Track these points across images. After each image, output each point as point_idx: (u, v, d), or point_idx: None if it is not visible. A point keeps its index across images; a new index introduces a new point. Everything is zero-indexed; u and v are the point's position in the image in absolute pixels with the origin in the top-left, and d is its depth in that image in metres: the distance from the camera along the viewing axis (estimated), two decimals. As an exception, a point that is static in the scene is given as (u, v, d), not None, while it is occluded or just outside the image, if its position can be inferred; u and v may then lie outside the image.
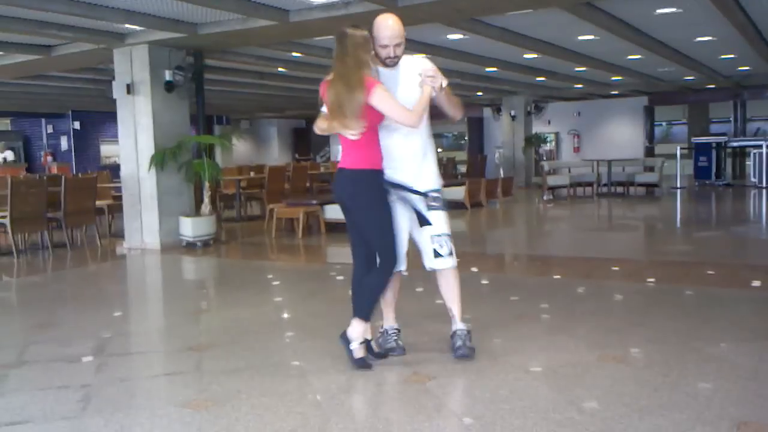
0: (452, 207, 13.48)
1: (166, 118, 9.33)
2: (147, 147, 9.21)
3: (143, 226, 9.36)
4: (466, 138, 26.14)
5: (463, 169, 21.50)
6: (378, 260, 3.84)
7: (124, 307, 6.25)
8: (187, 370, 4.02)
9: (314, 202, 10.72)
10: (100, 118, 20.36)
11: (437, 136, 31.14)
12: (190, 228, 9.20)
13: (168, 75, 9.19)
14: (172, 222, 9.31)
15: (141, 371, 4.16)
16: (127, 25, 8.53)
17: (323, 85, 3.88)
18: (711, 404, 3.17)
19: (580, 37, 10.92)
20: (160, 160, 9.05)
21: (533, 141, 20.93)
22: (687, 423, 2.94)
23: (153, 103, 9.15)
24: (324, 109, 3.90)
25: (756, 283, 6.07)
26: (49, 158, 20.70)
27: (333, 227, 10.36)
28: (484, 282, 6.67)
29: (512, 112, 20.29)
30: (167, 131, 9.28)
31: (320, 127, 3.92)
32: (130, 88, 9.20)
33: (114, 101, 9.53)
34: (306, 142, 28.03)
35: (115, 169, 13.61)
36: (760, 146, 16.61)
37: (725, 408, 3.11)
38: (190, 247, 9.16)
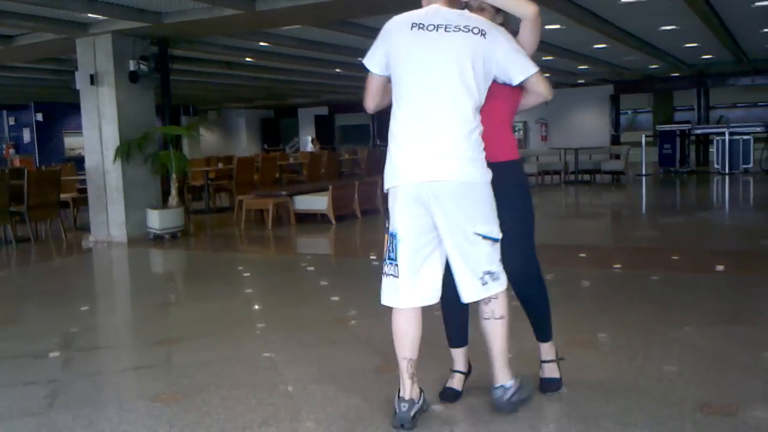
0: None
1: (131, 108, 9.19)
2: (112, 138, 9.06)
3: (109, 219, 9.22)
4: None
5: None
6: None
7: (91, 301, 6.16)
8: (156, 363, 3.98)
9: (284, 193, 10.67)
10: (63, 110, 19.97)
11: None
12: (157, 220, 9.09)
13: (132, 65, 9.04)
14: (138, 214, 9.19)
15: (109, 366, 4.11)
16: (89, 15, 8.36)
17: None
18: (675, 386, 3.24)
19: (547, 27, 11.00)
20: (125, 152, 8.92)
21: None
22: (652, 405, 3.01)
23: (117, 94, 9.00)
24: None
25: (719, 268, 6.20)
26: (12, 151, 20.26)
27: (303, 218, 10.34)
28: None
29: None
30: (132, 122, 9.14)
31: None
32: (93, 79, 9.03)
33: (77, 92, 9.35)
34: (275, 133, 27.86)
35: (79, 162, 13.40)
36: (723, 134, 16.94)
37: (689, 390, 3.18)
38: (157, 239, 9.06)
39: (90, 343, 4.57)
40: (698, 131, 19.07)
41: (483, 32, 2.76)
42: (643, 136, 18.09)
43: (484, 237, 2.82)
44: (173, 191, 9.31)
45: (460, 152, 2.76)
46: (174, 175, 9.28)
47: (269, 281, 6.67)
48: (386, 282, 2.93)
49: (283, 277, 6.74)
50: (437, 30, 2.80)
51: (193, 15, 8.35)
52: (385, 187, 2.95)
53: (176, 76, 12.69)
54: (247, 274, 7.09)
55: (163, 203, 9.52)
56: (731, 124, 18.24)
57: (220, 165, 14.50)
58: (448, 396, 3.13)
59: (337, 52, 12.65)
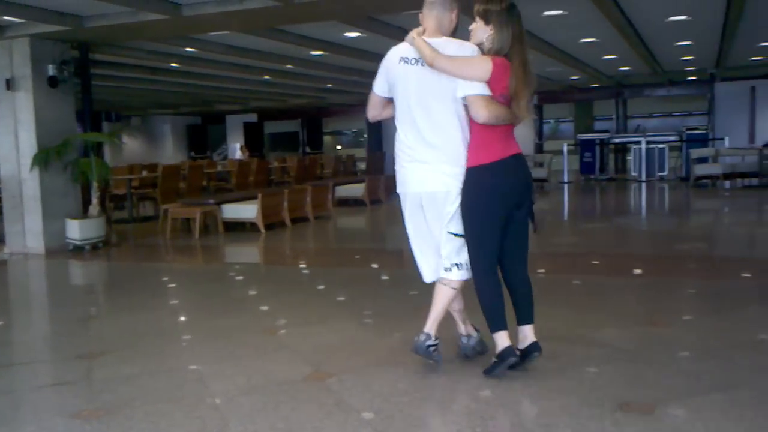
0: (352, 204, 13.60)
1: (50, 115, 8.86)
2: (29, 146, 8.69)
3: (26, 229, 8.84)
4: (365, 135, 26.31)
5: (362, 166, 21.65)
6: (519, 267, 3.55)
7: (6, 315, 5.88)
8: (76, 379, 3.84)
9: (211, 201, 10.49)
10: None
11: (337, 134, 31.26)
12: (77, 230, 8.78)
13: (51, 70, 8.72)
14: (57, 224, 8.85)
15: (25, 383, 3.94)
16: (5, 17, 8.02)
17: (500, 66, 3.33)
18: (596, 387, 3.36)
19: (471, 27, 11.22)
20: (43, 160, 8.59)
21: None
22: (574, 406, 3.10)
23: (35, 99, 8.65)
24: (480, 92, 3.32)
25: (637, 272, 6.46)
26: None
27: (232, 227, 10.19)
28: (384, 277, 6.75)
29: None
30: (51, 129, 8.81)
31: (497, 114, 3.32)
32: (10, 84, 8.65)
33: (-8, 97, 8.94)
34: (202, 140, 27.35)
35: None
36: (640, 142, 17.68)
37: (609, 390, 3.30)
38: (77, 250, 8.74)
39: (5, 359, 4.36)
40: (617, 140, 19.83)
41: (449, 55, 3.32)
42: (565, 144, 18.66)
43: (455, 235, 3.48)
44: (94, 200, 9.02)
45: (446, 168, 3.41)
46: (95, 184, 8.98)
47: (196, 292, 6.53)
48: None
49: (210, 287, 6.62)
50: (418, 63, 3.41)
51: (116, 19, 8.12)
52: (398, 190, 3.65)
53: (98, 81, 12.32)
54: (173, 285, 6.93)
55: (84, 213, 9.20)
56: (648, 133, 19.03)
57: (144, 173, 14.13)
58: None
59: (266, 59, 12.55)
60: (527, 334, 3.50)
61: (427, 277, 3.66)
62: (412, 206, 3.57)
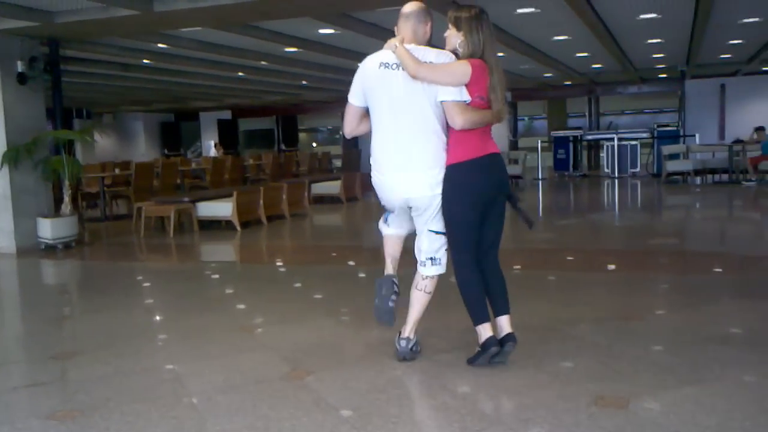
0: (329, 201, 13.58)
1: (20, 112, 8.71)
2: (-2, 143, 8.56)
3: (-5, 228, 8.69)
4: (340, 132, 26.25)
5: (338, 163, 21.61)
6: (490, 251, 3.67)
7: (-24, 316, 5.78)
8: (50, 380, 3.79)
9: (186, 199, 10.40)
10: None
11: (312, 131, 31.16)
12: (49, 229, 8.65)
13: (20, 66, 8.58)
14: (28, 223, 8.71)
15: (-2, 384, 3.87)
16: (-29, 12, 7.87)
17: (478, 68, 3.44)
18: (571, 381, 3.40)
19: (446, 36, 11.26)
20: (13, 158, 8.45)
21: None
22: (550, 399, 3.14)
23: (4, 96, 8.51)
24: (460, 98, 3.44)
25: (611, 267, 6.55)
26: None
27: (207, 225, 10.12)
28: (361, 275, 6.75)
29: (385, 107, 20.56)
30: (21, 126, 8.66)
31: (473, 120, 3.44)
32: (-23, 80, 8.50)
33: (-41, 94, 8.76)
34: (176, 137, 27.07)
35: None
36: (612, 139, 17.89)
37: (584, 384, 3.34)
38: (49, 249, 8.61)
39: (-25, 362, 4.29)
40: (589, 137, 20.04)
41: (430, 63, 3.42)
42: (539, 141, 18.83)
43: (436, 233, 3.62)
44: (66, 198, 8.90)
45: (425, 174, 3.50)
46: (67, 182, 8.86)
47: (171, 291, 6.47)
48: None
49: (185, 285, 6.57)
50: (399, 68, 3.45)
51: (87, 15, 8.00)
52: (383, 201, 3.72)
53: (68, 77, 12.13)
54: (148, 284, 6.86)
55: (56, 211, 9.07)
56: (620, 130, 19.26)
57: (117, 171, 13.97)
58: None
59: (240, 56, 12.46)
60: (503, 326, 3.59)
61: (385, 230, 3.81)
62: (399, 209, 3.68)
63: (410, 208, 3.63)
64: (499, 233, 3.71)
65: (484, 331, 3.54)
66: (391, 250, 3.80)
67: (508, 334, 3.56)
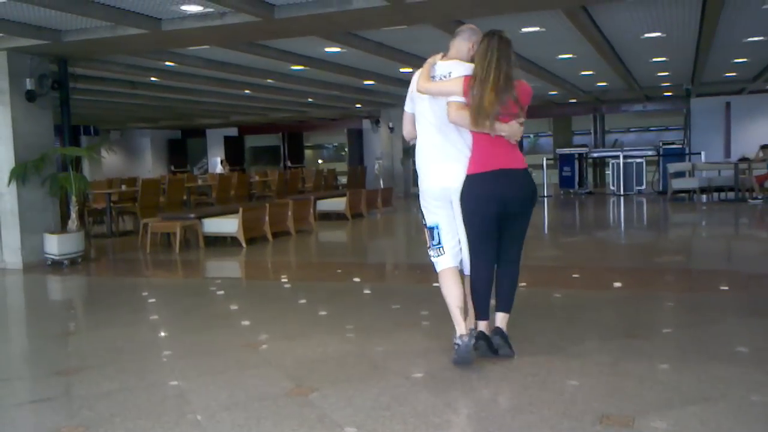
0: (334, 218, 13.60)
1: (28, 129, 8.79)
2: (6, 160, 8.63)
3: (3, 244, 8.74)
4: (346, 149, 26.35)
5: (343, 180, 21.66)
6: (510, 265, 4.07)
7: (-18, 332, 5.80)
8: (55, 395, 3.80)
9: (192, 215, 10.44)
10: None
11: (318, 147, 31.28)
12: (55, 245, 8.69)
13: (29, 83, 8.67)
14: (35, 239, 8.76)
15: (4, 399, 3.88)
16: (-18, 31, 7.97)
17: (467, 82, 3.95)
18: (576, 399, 3.39)
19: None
20: (21, 174, 8.52)
21: (411, 152, 21.38)
22: (555, 418, 3.13)
23: (13, 113, 8.59)
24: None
25: (617, 285, 6.53)
26: None
27: (213, 241, 10.14)
28: (366, 291, 6.75)
29: (390, 124, 20.69)
30: (29, 143, 8.74)
31: (455, 118, 3.92)
32: (-14, 97, 8.59)
33: (-32, 111, 8.85)
34: (182, 154, 27.22)
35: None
36: (618, 157, 17.89)
37: (589, 402, 3.33)
38: (56, 265, 8.65)
39: (-19, 377, 4.30)
40: (595, 154, 20.05)
41: (450, 74, 4.01)
42: (545, 159, 18.84)
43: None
44: (73, 215, 8.94)
45: (462, 165, 3.95)
46: (74, 198, 8.92)
47: (176, 307, 6.48)
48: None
49: (191, 302, 6.58)
50: (438, 79, 4.03)
51: (95, 33, 8.09)
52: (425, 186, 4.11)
53: (77, 95, 12.22)
54: (153, 300, 6.88)
55: (62, 227, 9.12)
56: (625, 148, 19.27)
57: (124, 187, 14.04)
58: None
59: (246, 73, 12.56)
60: (497, 320, 3.97)
61: (440, 263, 4.02)
62: (445, 215, 4.03)
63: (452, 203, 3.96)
64: (517, 250, 4.06)
65: (479, 326, 3.94)
66: (454, 298, 3.91)
67: (497, 328, 3.95)
